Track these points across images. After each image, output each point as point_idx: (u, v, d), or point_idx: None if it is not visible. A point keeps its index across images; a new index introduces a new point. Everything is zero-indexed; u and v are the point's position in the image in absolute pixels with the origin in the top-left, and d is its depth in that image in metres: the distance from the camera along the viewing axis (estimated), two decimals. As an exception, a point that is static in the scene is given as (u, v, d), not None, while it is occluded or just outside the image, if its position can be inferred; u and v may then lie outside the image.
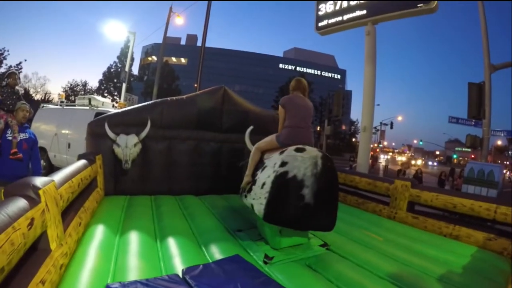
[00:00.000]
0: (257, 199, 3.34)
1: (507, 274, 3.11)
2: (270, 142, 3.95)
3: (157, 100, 5.81)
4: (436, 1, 10.19)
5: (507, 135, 15.82)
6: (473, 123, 15.48)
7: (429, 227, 4.44)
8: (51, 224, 2.27)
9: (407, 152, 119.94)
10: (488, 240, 3.86)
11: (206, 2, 16.30)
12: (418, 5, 10.53)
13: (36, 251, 2.16)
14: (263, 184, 3.32)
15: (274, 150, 3.79)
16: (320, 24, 13.42)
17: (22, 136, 4.47)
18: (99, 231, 3.28)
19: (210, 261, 2.93)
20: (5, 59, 32.18)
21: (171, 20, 19.88)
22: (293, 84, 4.17)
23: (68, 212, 3.10)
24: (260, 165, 3.80)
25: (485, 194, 8.69)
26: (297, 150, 3.36)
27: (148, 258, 2.86)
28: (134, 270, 2.54)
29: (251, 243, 3.52)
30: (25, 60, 37.98)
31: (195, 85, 14.93)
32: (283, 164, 3.27)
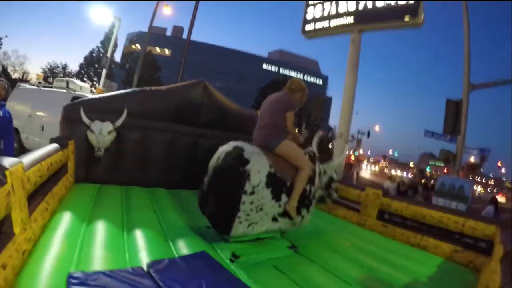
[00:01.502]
0: None
1: (472, 286, 3.18)
2: None
3: (136, 88, 5.72)
4: (422, 16, 10.39)
5: (479, 152, 16.30)
6: (448, 138, 15.85)
7: (398, 236, 4.51)
8: (15, 207, 2.20)
9: (382, 162, 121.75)
10: (455, 252, 3.97)
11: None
12: (405, 17, 10.71)
13: (-2, 234, 2.09)
14: None
15: None
16: (306, 28, 13.50)
17: None
18: (65, 219, 3.19)
19: (177, 256, 2.90)
20: (-16, 35, 31.21)
21: (158, 9, 19.65)
22: None
23: (35, 197, 3.01)
24: None
25: (455, 208, 8.89)
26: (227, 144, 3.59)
27: (113, 249, 2.80)
28: (98, 260, 2.49)
29: (219, 241, 3.48)
30: (6, 36, 36.88)
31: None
32: None
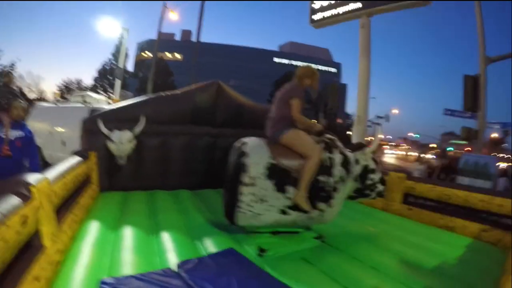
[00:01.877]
0: None
1: (502, 265, 3.13)
2: None
3: (151, 95, 5.80)
4: (431, -7, 10.21)
5: (502, 127, 15.87)
6: (468, 115, 15.52)
7: (424, 219, 4.46)
8: (45, 221, 2.27)
9: (403, 145, 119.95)
10: (483, 232, 3.89)
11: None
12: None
13: (30, 248, 2.15)
14: None
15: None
16: (314, 17, 13.43)
17: (16, 134, 4.45)
18: (94, 228, 3.28)
19: (205, 255, 2.94)
20: (-1, 59, 31.91)
21: (165, 15, 19.79)
22: None
23: (62, 209, 3.09)
24: None
25: (480, 186, 8.70)
26: None
27: (143, 253, 2.87)
28: (129, 265, 2.56)
29: (245, 237, 3.53)
30: (19, 60, 37.58)
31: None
32: None
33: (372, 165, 3.86)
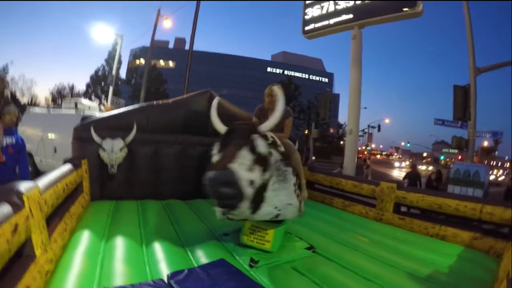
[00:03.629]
0: None
1: (494, 273, 3.14)
2: None
3: (143, 104, 5.80)
4: (421, 5, 10.36)
5: (492, 136, 15.99)
6: (459, 124, 15.65)
7: (416, 228, 4.48)
8: (35, 230, 2.25)
9: (395, 154, 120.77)
10: (474, 240, 3.91)
11: (195, 5, 16.26)
12: (404, 9, 10.69)
13: (21, 258, 2.13)
14: None
15: None
16: (306, 28, 13.55)
17: (8, 140, 4.41)
18: (85, 237, 3.25)
19: (196, 266, 2.93)
20: (-9, 62, 31.70)
21: (159, 23, 19.81)
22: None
23: (53, 218, 3.08)
24: None
25: (471, 194, 8.76)
26: None
27: (133, 263, 2.85)
28: (119, 276, 2.53)
29: (237, 247, 3.51)
30: (12, 62, 37.32)
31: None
32: None
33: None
